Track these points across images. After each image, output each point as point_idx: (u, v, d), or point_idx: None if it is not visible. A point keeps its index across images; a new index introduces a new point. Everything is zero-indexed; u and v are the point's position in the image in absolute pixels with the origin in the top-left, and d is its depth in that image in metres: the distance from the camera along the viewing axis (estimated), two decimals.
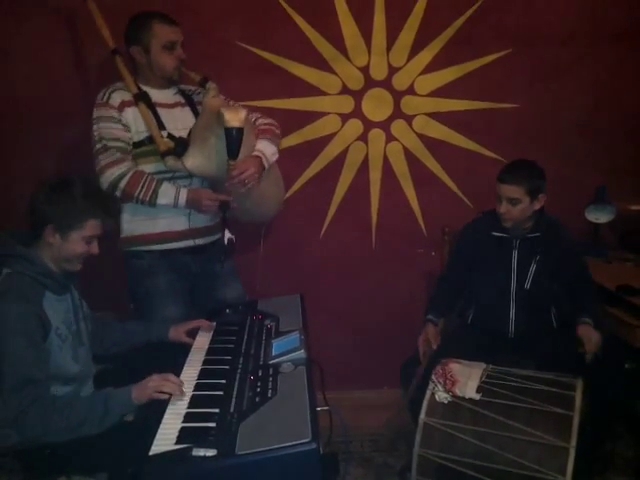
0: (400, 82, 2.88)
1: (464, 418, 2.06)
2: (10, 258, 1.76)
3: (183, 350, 2.05)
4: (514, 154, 2.53)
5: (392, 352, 2.60)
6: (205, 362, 1.95)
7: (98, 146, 2.19)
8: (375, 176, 2.97)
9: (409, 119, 2.92)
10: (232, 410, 1.60)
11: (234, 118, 2.09)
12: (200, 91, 2.37)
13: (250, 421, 1.53)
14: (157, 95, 2.31)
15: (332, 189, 2.96)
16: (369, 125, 2.92)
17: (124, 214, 2.32)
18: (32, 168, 2.59)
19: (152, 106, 2.26)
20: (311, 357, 1.85)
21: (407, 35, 2.82)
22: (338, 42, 2.80)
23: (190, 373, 1.87)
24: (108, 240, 1.97)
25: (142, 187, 2.18)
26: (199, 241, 2.38)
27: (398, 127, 2.93)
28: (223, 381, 1.78)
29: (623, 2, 2.89)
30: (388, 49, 2.84)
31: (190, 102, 2.40)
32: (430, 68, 2.87)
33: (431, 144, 2.96)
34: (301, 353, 1.84)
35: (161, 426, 1.56)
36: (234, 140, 2.11)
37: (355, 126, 2.91)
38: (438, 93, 2.90)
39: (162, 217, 2.29)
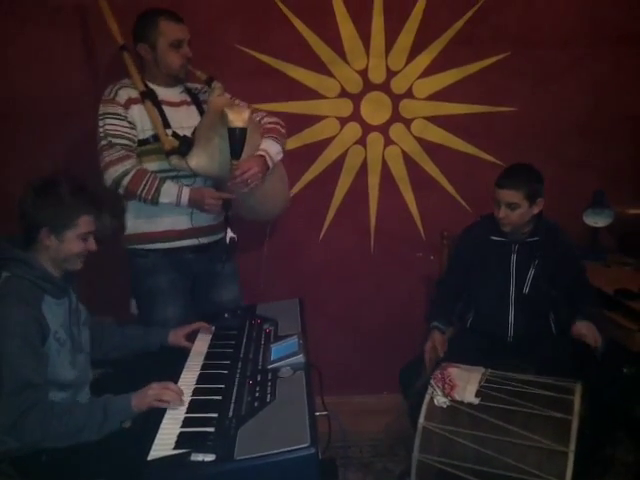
0: (398, 85, 2.88)
1: (463, 422, 2.05)
2: (9, 262, 1.76)
3: (183, 356, 2.04)
4: (513, 158, 2.53)
5: (391, 356, 2.60)
6: (204, 367, 1.95)
7: (103, 143, 2.20)
8: (374, 180, 2.97)
9: (407, 123, 2.92)
10: (231, 415, 1.60)
11: (237, 118, 2.10)
12: (206, 90, 2.38)
13: (249, 426, 1.53)
14: (163, 93, 2.32)
15: (331, 193, 2.96)
16: (368, 129, 2.92)
17: (128, 212, 2.33)
18: (32, 168, 2.58)
19: (158, 104, 2.27)
20: (310, 362, 1.84)
21: (405, 38, 2.82)
22: (336, 45, 2.80)
23: (189, 378, 1.87)
24: (107, 242, 1.96)
25: (145, 185, 2.18)
26: (202, 240, 2.38)
27: (396, 131, 2.93)
28: (222, 386, 1.78)
29: (622, 4, 2.89)
30: (386, 52, 2.84)
31: (196, 100, 2.40)
32: (428, 71, 2.87)
33: (429, 148, 2.96)
34: (300, 358, 1.84)
35: (159, 431, 1.56)
36: (237, 140, 2.11)
37: (354, 130, 2.91)
38: (436, 96, 2.90)
39: (165, 216, 2.29)
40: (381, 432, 2.89)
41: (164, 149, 2.21)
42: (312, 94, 2.84)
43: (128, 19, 2.28)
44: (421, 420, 2.08)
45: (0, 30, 2.59)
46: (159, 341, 2.14)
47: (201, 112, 2.36)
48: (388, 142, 2.94)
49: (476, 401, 2.06)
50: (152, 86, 2.30)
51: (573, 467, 1.87)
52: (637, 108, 3.00)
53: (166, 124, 2.26)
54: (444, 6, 2.80)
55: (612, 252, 3.01)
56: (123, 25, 2.31)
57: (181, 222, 2.32)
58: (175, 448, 1.47)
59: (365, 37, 2.81)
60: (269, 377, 1.77)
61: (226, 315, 2.31)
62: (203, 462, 1.40)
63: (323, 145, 2.90)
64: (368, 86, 2.87)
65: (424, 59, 2.85)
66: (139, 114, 2.25)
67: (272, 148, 2.31)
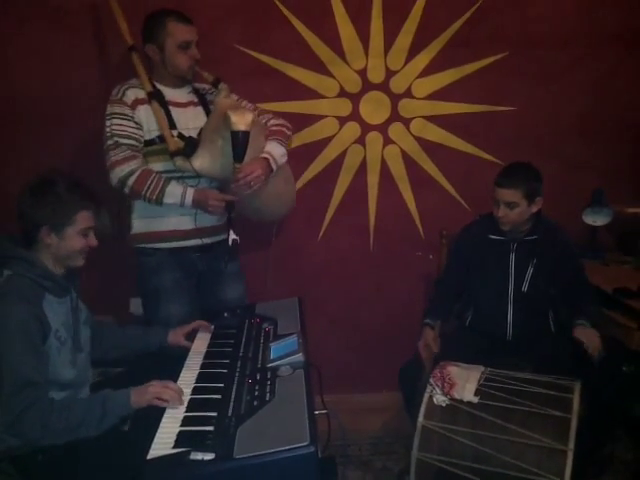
0: (397, 85, 2.88)
1: (462, 421, 2.06)
2: (11, 260, 1.77)
3: (182, 355, 2.05)
4: (512, 157, 2.53)
5: (390, 355, 2.60)
6: (203, 366, 1.95)
7: (109, 142, 2.21)
8: (373, 179, 2.97)
9: (406, 122, 2.93)
10: (230, 414, 1.60)
11: (240, 121, 2.10)
12: (213, 90, 2.39)
13: (248, 425, 1.53)
14: (171, 93, 2.33)
15: (330, 192, 2.96)
16: (367, 128, 2.92)
17: (134, 212, 2.35)
18: (31, 168, 2.58)
19: (165, 105, 2.28)
20: (309, 360, 1.85)
21: (404, 38, 2.83)
22: (336, 45, 2.81)
23: (188, 377, 1.87)
24: (107, 241, 1.97)
25: (149, 185, 2.20)
26: (206, 240, 2.39)
27: (396, 130, 2.93)
28: (221, 385, 1.78)
29: (621, 4, 2.89)
30: (385, 52, 2.84)
31: (203, 101, 2.41)
32: (427, 71, 2.87)
33: (429, 147, 2.96)
34: (299, 356, 1.84)
35: (159, 430, 1.56)
36: (240, 143, 2.13)
37: (353, 129, 2.91)
38: (435, 96, 2.91)
39: (170, 216, 2.31)
40: (380, 430, 2.90)
41: (169, 150, 2.22)
42: (311, 94, 2.84)
43: (134, 20, 2.30)
44: (420, 419, 2.08)
45: (0, 30, 2.59)
46: (159, 341, 2.14)
47: (208, 113, 2.37)
48: (387, 141, 2.94)
49: (475, 400, 2.06)
50: (160, 87, 2.31)
51: (572, 465, 1.88)
52: (636, 108, 3.01)
53: (172, 125, 2.27)
54: (443, 6, 2.80)
55: (611, 251, 3.02)
56: (130, 25, 2.33)
57: (185, 222, 2.34)
58: (174, 447, 1.47)
59: (364, 37, 2.82)
60: (268, 376, 1.77)
61: (225, 314, 2.31)
62: (202, 461, 1.40)
63: (322, 144, 2.91)
64: (367, 86, 2.87)
65: (423, 59, 2.86)
66: (145, 115, 2.26)
67: (276, 150, 2.33)
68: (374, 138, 2.93)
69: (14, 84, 2.63)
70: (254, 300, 2.48)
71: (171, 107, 2.30)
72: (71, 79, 2.64)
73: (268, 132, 2.39)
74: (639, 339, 2.31)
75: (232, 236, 2.27)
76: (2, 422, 1.63)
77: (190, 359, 2.00)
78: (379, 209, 3.01)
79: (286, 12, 2.73)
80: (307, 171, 2.91)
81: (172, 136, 2.24)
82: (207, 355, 2.03)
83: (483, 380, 2.14)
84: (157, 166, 2.27)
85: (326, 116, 2.88)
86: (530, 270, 2.45)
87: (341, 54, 2.82)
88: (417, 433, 2.08)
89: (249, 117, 2.13)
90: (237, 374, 1.84)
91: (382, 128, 2.93)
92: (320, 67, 2.82)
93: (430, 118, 2.93)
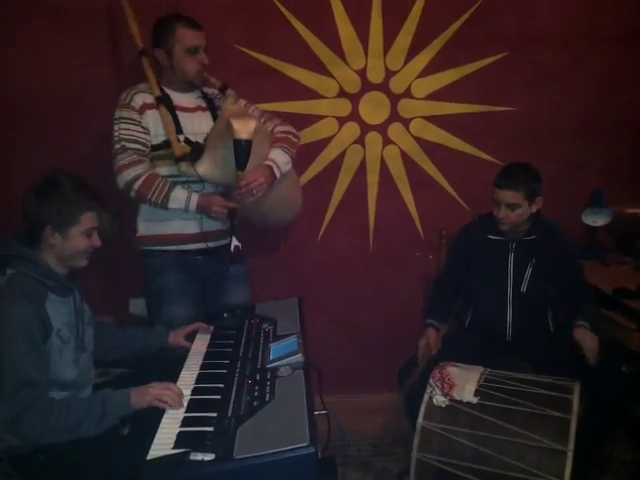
0: (397, 85, 2.88)
1: (462, 422, 2.06)
2: (14, 259, 1.77)
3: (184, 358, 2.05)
4: (511, 157, 2.53)
5: (390, 355, 2.60)
6: (203, 366, 1.95)
7: (117, 147, 2.23)
8: (372, 179, 2.97)
9: (406, 122, 2.93)
10: (230, 414, 1.60)
11: (243, 130, 2.11)
12: (221, 96, 2.39)
13: (248, 425, 1.53)
14: (179, 98, 2.34)
15: (330, 192, 2.96)
16: (366, 128, 2.92)
17: (140, 215, 2.37)
18: (31, 168, 2.58)
19: (173, 109, 2.30)
20: (309, 361, 1.85)
21: (404, 38, 2.83)
22: (335, 45, 2.81)
23: (188, 377, 1.87)
24: (108, 242, 1.97)
25: (155, 190, 2.21)
26: (211, 244, 2.40)
27: (395, 130, 2.93)
28: (221, 385, 1.78)
29: (621, 4, 2.89)
30: (385, 52, 2.84)
31: (211, 106, 2.42)
32: (427, 71, 2.87)
33: (428, 147, 2.96)
34: (299, 357, 1.84)
35: (159, 430, 1.56)
36: (242, 152, 2.13)
37: (352, 129, 2.91)
38: (435, 96, 2.91)
39: (175, 219, 2.32)
40: (380, 431, 2.90)
41: (175, 155, 2.24)
42: (311, 94, 2.84)
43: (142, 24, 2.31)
44: (420, 419, 2.08)
45: (0, 30, 2.59)
46: (159, 342, 2.15)
47: (215, 118, 2.37)
48: (387, 142, 2.94)
49: (475, 400, 2.06)
50: (168, 91, 2.33)
51: (572, 466, 1.88)
52: (635, 108, 3.01)
53: (179, 130, 2.29)
54: (442, 6, 2.80)
55: (610, 251, 3.02)
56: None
57: (190, 226, 2.35)
58: (174, 447, 1.47)
59: (364, 37, 2.82)
60: (268, 376, 1.77)
61: (225, 315, 2.31)
62: (202, 461, 1.40)
63: (322, 145, 2.91)
64: (367, 86, 2.87)
65: (422, 59, 2.86)
66: (153, 119, 2.27)
67: (280, 158, 2.33)
68: (374, 138, 2.93)
69: (14, 84, 2.63)
70: (256, 301, 2.49)
71: (179, 112, 2.32)
72: (71, 79, 2.64)
73: (274, 139, 2.40)
74: (638, 340, 2.31)
75: (234, 242, 2.28)
76: (2, 420, 1.63)
77: (190, 360, 2.00)
78: (379, 209, 3.01)
79: (285, 12, 2.73)
80: (307, 171, 2.91)
81: (178, 141, 2.26)
82: (207, 356, 2.02)
83: (483, 381, 2.14)
84: (163, 170, 2.28)
85: (326, 116, 2.88)
86: (529, 270, 2.45)
87: (341, 54, 2.82)
88: (417, 434, 2.08)
89: (252, 125, 2.13)
90: (237, 375, 1.83)
91: (382, 128, 2.92)
92: (320, 67, 2.82)
93: (429, 118, 2.93)
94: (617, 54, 2.94)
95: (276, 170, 2.30)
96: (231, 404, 1.65)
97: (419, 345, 2.43)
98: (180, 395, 1.71)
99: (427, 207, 3.02)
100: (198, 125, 2.35)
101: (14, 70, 2.62)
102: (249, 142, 2.13)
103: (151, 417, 1.63)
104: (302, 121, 2.84)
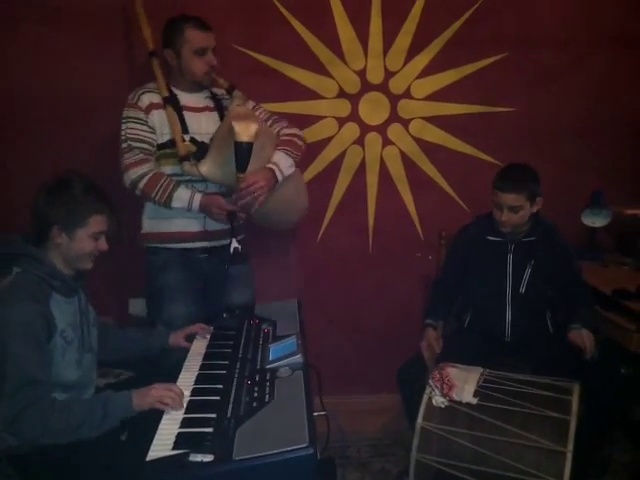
0: (397, 86, 2.88)
1: (461, 422, 2.06)
2: (20, 257, 1.77)
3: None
4: (511, 158, 2.53)
5: (390, 356, 2.59)
6: (202, 367, 1.94)
7: (124, 145, 2.26)
8: (372, 180, 2.97)
9: (406, 123, 2.92)
10: (229, 415, 1.60)
11: (244, 132, 2.12)
12: (228, 97, 2.40)
13: (247, 426, 1.53)
14: (187, 98, 2.36)
15: (329, 193, 2.96)
16: (366, 129, 2.92)
17: (144, 212, 2.40)
18: (32, 168, 2.59)
19: (179, 110, 2.31)
20: (308, 362, 1.85)
21: (404, 39, 2.82)
22: (335, 45, 2.80)
23: (187, 378, 1.86)
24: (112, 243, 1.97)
25: (159, 189, 2.24)
26: (214, 243, 2.41)
27: (395, 131, 2.93)
28: (220, 386, 1.78)
29: (621, 4, 2.89)
30: (385, 53, 2.84)
31: (219, 107, 2.43)
32: (427, 72, 2.87)
33: (428, 148, 2.96)
34: (298, 358, 1.84)
35: (158, 431, 1.56)
36: (242, 154, 2.14)
37: (352, 130, 2.91)
38: (435, 97, 2.90)
39: (178, 218, 2.34)
40: (379, 432, 2.90)
41: (179, 155, 2.25)
42: (310, 94, 2.84)
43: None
44: (419, 420, 2.08)
45: (0, 30, 2.59)
46: (160, 344, 2.15)
47: (223, 119, 2.37)
48: (386, 142, 2.94)
49: (474, 401, 2.07)
50: (176, 91, 2.34)
51: (571, 467, 1.88)
52: (635, 108, 3.01)
53: (185, 129, 2.30)
54: (442, 7, 2.80)
55: (610, 252, 3.02)
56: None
57: (194, 225, 2.36)
58: (174, 449, 1.47)
59: (363, 38, 2.81)
60: (267, 377, 1.77)
61: (224, 315, 2.32)
62: (202, 462, 1.40)
63: (321, 145, 2.90)
64: (366, 86, 2.87)
65: (422, 59, 2.85)
66: (159, 119, 2.30)
67: (283, 161, 2.34)
68: (373, 139, 2.93)
69: (14, 84, 2.63)
70: (256, 301, 2.49)
71: (186, 112, 2.33)
72: (71, 79, 2.64)
73: (278, 142, 2.40)
74: (638, 341, 2.31)
75: (234, 244, 2.28)
76: (2, 420, 1.63)
77: (189, 360, 2.00)
78: (378, 210, 3.00)
79: (285, 12, 2.73)
80: (306, 172, 2.90)
81: (183, 140, 2.28)
82: (206, 356, 2.02)
83: (482, 381, 2.14)
84: (168, 169, 2.30)
85: (325, 117, 2.88)
86: (528, 271, 2.45)
87: (340, 55, 2.82)
88: (416, 435, 2.08)
89: (253, 128, 2.14)
90: (236, 375, 1.83)
91: (381, 129, 2.92)
92: (319, 67, 2.81)
93: (429, 119, 2.93)
94: (617, 54, 2.94)
95: (278, 173, 2.30)
96: (230, 405, 1.65)
97: (422, 348, 2.40)
98: (181, 396, 1.71)
99: (427, 208, 3.01)
100: (205, 125, 2.35)
101: (14, 70, 2.62)
102: (250, 145, 2.14)
103: (150, 419, 1.63)
104: (301, 121, 2.84)
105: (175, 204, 2.25)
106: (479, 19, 2.82)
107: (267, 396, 1.66)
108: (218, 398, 1.71)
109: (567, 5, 2.88)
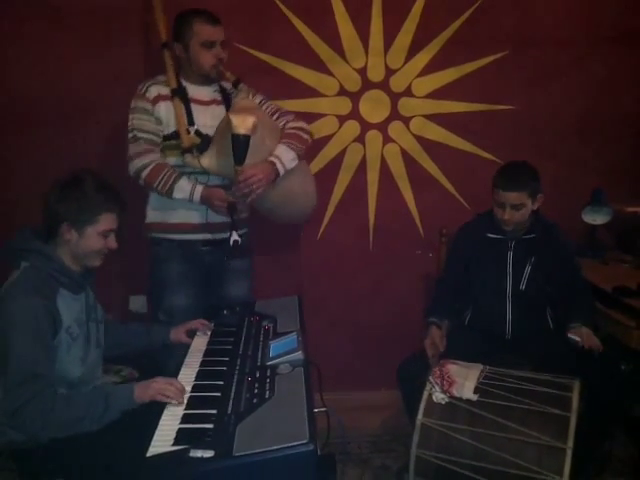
0: (397, 84, 2.88)
1: (461, 419, 2.06)
2: (29, 252, 1.78)
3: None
4: (511, 156, 2.54)
5: (390, 353, 2.60)
6: (203, 363, 1.95)
7: (130, 135, 2.30)
8: (372, 177, 2.98)
9: (406, 121, 2.93)
10: (230, 411, 1.60)
11: (241, 125, 2.13)
12: (234, 90, 2.42)
13: (248, 422, 1.53)
14: (195, 91, 2.38)
15: (330, 190, 2.96)
16: (366, 127, 2.92)
17: (148, 202, 2.42)
18: (31, 168, 2.60)
19: (187, 102, 2.33)
20: (309, 358, 1.85)
21: (404, 37, 2.83)
22: (335, 44, 2.81)
23: (188, 374, 1.87)
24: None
25: (161, 179, 2.26)
26: (216, 235, 2.42)
27: (395, 129, 2.93)
28: (221, 382, 1.78)
29: (620, 4, 2.90)
30: (385, 51, 2.84)
31: (227, 100, 2.43)
32: (427, 70, 2.87)
33: (428, 146, 2.96)
34: (299, 354, 1.85)
35: (159, 427, 1.56)
36: (240, 146, 2.15)
37: (352, 128, 2.92)
38: (435, 95, 2.91)
39: (181, 209, 2.35)
40: (379, 428, 2.90)
41: (182, 146, 2.27)
42: (311, 92, 2.84)
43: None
44: (419, 416, 2.08)
45: (0, 30, 2.59)
46: (161, 339, 2.15)
47: None
48: (387, 140, 2.94)
49: (474, 398, 2.07)
50: (185, 84, 2.36)
51: (571, 463, 1.88)
52: (635, 107, 3.01)
53: (190, 121, 2.32)
54: (443, 5, 2.81)
55: (610, 249, 3.02)
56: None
57: (196, 216, 2.38)
58: (174, 444, 1.48)
59: (364, 36, 2.82)
60: (268, 374, 1.77)
61: (225, 312, 2.32)
62: (202, 458, 1.41)
63: (322, 143, 2.91)
64: (367, 84, 2.87)
65: (423, 57, 2.86)
66: (166, 110, 2.32)
67: (285, 154, 2.33)
68: (374, 136, 2.93)
69: (14, 84, 2.64)
70: (256, 298, 2.49)
71: (193, 104, 2.35)
72: (72, 79, 2.65)
73: (283, 135, 2.40)
74: (638, 338, 2.31)
75: (234, 237, 2.29)
76: (3, 413, 1.64)
77: (190, 357, 2.00)
78: (379, 207, 3.01)
79: (286, 11, 2.73)
80: None
81: (188, 133, 2.30)
82: (207, 353, 2.03)
83: (482, 378, 2.14)
84: (172, 160, 2.33)
85: (326, 114, 2.89)
86: (528, 268, 2.45)
87: (341, 53, 2.82)
88: (416, 431, 2.08)
89: (250, 121, 2.14)
90: (237, 372, 1.84)
91: (382, 127, 2.93)
92: (320, 66, 2.82)
93: (430, 117, 2.93)
94: (617, 54, 2.94)
95: (279, 166, 2.30)
96: (231, 401, 1.66)
97: (425, 345, 2.40)
98: (183, 390, 1.72)
99: (427, 205, 3.02)
100: (211, 118, 2.36)
101: (14, 70, 2.62)
102: (247, 137, 2.14)
103: (151, 413, 1.63)
104: (302, 119, 2.84)
105: (177, 194, 2.27)
106: (479, 18, 2.82)
107: (267, 392, 1.66)
108: (219, 394, 1.71)
109: (567, 4, 2.88)
